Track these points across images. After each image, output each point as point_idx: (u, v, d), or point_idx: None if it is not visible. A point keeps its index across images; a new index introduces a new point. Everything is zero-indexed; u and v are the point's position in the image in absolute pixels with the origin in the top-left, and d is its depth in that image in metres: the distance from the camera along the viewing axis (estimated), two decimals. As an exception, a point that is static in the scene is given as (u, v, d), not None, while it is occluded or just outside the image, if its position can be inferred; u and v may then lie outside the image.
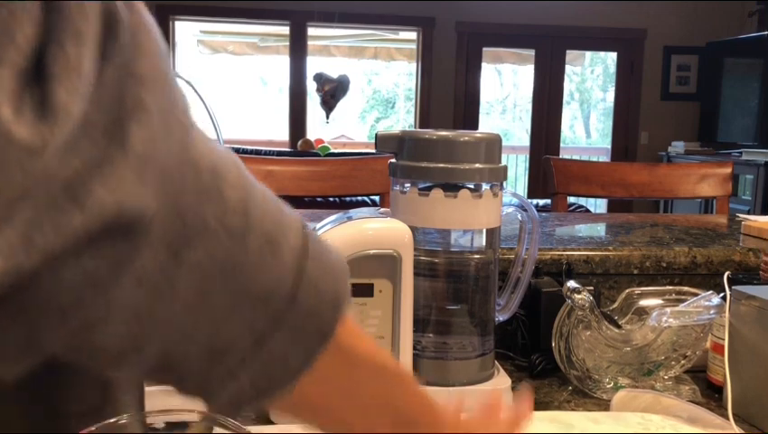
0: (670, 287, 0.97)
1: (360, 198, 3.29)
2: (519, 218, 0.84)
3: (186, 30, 6.38)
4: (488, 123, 7.15)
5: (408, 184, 0.78)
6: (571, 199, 2.37)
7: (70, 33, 0.25)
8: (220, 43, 6.73)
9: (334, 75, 6.04)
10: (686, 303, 0.89)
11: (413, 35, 6.20)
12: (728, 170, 1.90)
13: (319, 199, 3.15)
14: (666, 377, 0.90)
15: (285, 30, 5.99)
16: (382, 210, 0.84)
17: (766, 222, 1.26)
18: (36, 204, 0.24)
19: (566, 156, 5.48)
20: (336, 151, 5.77)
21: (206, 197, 0.30)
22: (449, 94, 6.03)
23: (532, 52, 6.21)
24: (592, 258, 1.05)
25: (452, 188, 0.76)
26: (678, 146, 5.87)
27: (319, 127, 6.17)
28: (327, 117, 6.06)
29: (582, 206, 3.92)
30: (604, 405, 0.82)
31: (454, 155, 0.75)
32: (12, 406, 0.51)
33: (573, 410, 0.83)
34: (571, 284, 0.86)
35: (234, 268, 0.31)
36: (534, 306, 0.94)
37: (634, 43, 6.16)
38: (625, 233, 1.23)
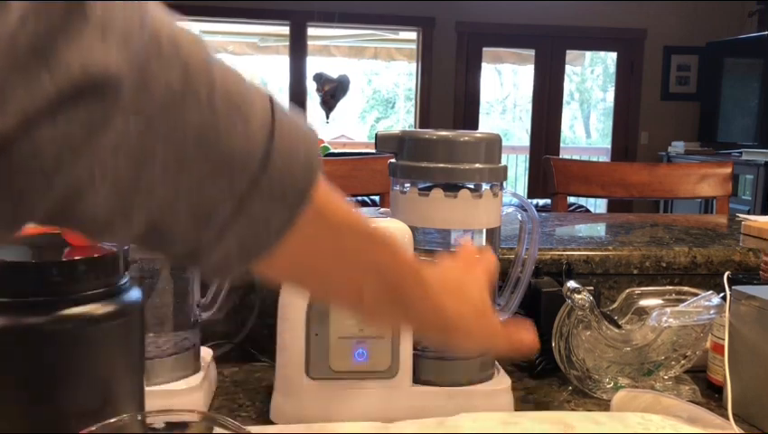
0: (670, 287, 0.97)
1: (360, 198, 3.29)
2: (519, 218, 0.84)
3: (186, 30, 6.36)
4: (488, 123, 7.15)
5: (408, 184, 0.78)
6: (571, 199, 2.37)
7: None
8: (220, 43, 6.72)
9: (334, 75, 6.03)
10: (686, 303, 0.89)
11: (413, 35, 6.20)
12: (728, 170, 1.90)
13: (319, 199, 3.14)
14: (666, 377, 0.90)
15: (285, 30, 5.99)
16: (382, 210, 0.84)
17: (766, 222, 1.25)
18: (5, 67, 0.26)
19: (566, 156, 5.48)
20: (336, 151, 5.77)
21: (169, 63, 0.32)
22: (449, 94, 6.03)
23: (532, 52, 6.21)
24: (592, 258, 1.05)
25: (452, 188, 0.75)
26: (678, 146, 5.86)
27: (319, 127, 6.17)
28: (327, 117, 6.06)
29: (582, 206, 3.92)
30: (604, 405, 0.82)
31: (454, 155, 0.75)
32: (12, 406, 0.51)
33: (573, 410, 0.83)
34: (571, 284, 0.86)
35: (206, 133, 0.33)
36: (534, 306, 0.93)
37: (634, 43, 6.15)
38: (625, 233, 1.23)
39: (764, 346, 0.78)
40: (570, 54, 6.35)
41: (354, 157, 2.17)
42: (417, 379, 0.78)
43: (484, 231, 0.80)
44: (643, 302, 0.95)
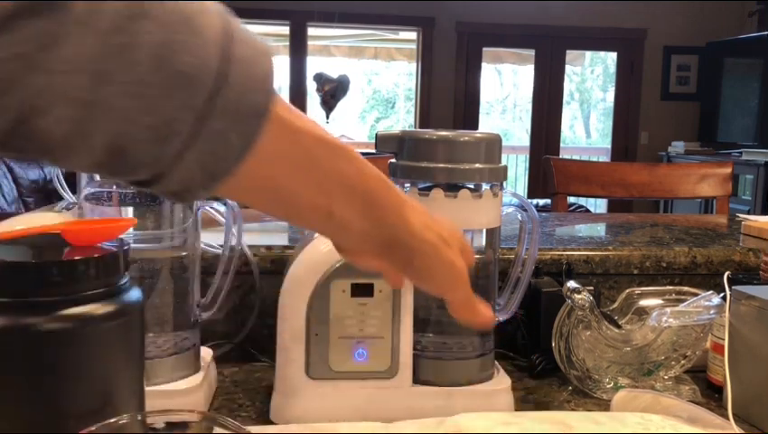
0: (670, 287, 0.97)
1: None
2: (519, 218, 0.84)
3: (186, 30, 6.37)
4: (488, 123, 7.15)
5: (408, 184, 0.78)
6: (571, 199, 2.37)
7: None
8: (220, 43, 6.72)
9: (334, 75, 6.03)
10: (686, 303, 0.89)
11: (413, 35, 6.20)
12: (728, 170, 1.90)
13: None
14: (666, 377, 0.90)
15: (285, 30, 5.99)
16: (382, 210, 0.84)
17: (766, 222, 1.25)
18: None
19: (566, 156, 5.48)
20: (336, 151, 5.76)
21: None
22: (449, 94, 6.03)
23: (532, 52, 6.21)
24: (592, 258, 1.05)
25: (452, 188, 0.75)
26: (678, 146, 5.86)
27: (319, 127, 6.15)
28: (327, 118, 6.06)
29: (582, 206, 3.92)
30: (604, 405, 0.82)
31: (454, 155, 0.75)
32: (12, 406, 0.51)
33: (573, 410, 0.83)
34: (571, 284, 0.86)
35: (160, 49, 0.33)
36: (534, 306, 0.94)
37: (634, 43, 6.15)
38: (625, 233, 1.23)
39: (764, 346, 0.78)
40: (570, 54, 6.35)
41: (354, 157, 2.17)
42: (417, 379, 0.78)
43: (484, 231, 0.80)
44: (643, 302, 0.95)
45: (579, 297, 0.85)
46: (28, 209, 4.21)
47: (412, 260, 0.49)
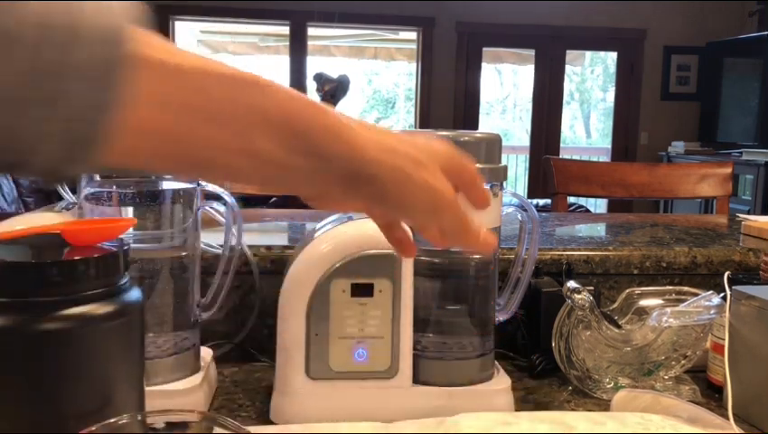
0: (670, 287, 0.97)
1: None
2: (519, 218, 0.84)
3: (186, 30, 6.38)
4: (488, 123, 7.15)
5: (408, 184, 0.77)
6: (571, 199, 2.37)
7: None
8: (220, 43, 6.73)
9: (334, 75, 6.03)
10: (686, 303, 0.89)
11: (413, 35, 6.20)
12: (728, 170, 1.90)
13: (319, 199, 3.14)
14: (666, 377, 0.90)
15: (285, 30, 5.99)
16: (382, 210, 0.84)
17: (766, 222, 1.25)
18: None
19: (566, 156, 5.48)
20: (336, 151, 5.76)
21: None
22: (449, 94, 6.03)
23: (532, 52, 6.21)
24: (592, 258, 1.05)
25: (452, 188, 0.75)
26: (678, 146, 5.86)
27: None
28: (327, 118, 6.05)
29: (582, 206, 3.92)
30: (604, 405, 0.82)
31: (454, 155, 0.75)
32: (12, 406, 0.51)
33: (573, 410, 0.83)
34: (571, 284, 0.86)
35: None
36: (534, 306, 0.93)
37: (634, 43, 6.15)
38: (625, 233, 1.23)
39: (764, 346, 0.78)
40: (570, 54, 6.35)
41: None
42: (417, 379, 0.78)
43: (484, 231, 0.80)
44: (643, 302, 0.95)
45: (579, 297, 0.85)
46: (28, 209, 4.22)
47: (383, 193, 0.43)
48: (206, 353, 0.84)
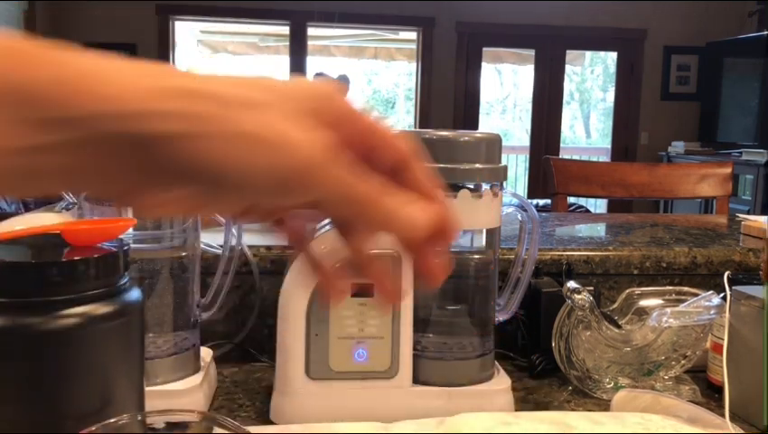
0: (670, 288, 0.97)
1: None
2: (519, 218, 0.84)
3: (186, 30, 6.38)
4: (488, 123, 7.15)
5: (408, 184, 0.78)
6: (571, 199, 2.37)
7: None
8: (220, 43, 6.73)
9: (334, 75, 6.03)
10: (686, 303, 0.89)
11: (413, 35, 6.20)
12: (728, 170, 1.90)
13: (319, 199, 3.15)
14: (666, 377, 0.90)
15: (285, 30, 5.99)
16: (382, 210, 0.84)
17: (766, 222, 1.25)
18: None
19: (566, 156, 5.48)
20: (336, 151, 5.76)
21: None
22: (449, 94, 6.03)
23: (532, 52, 6.21)
24: (592, 258, 1.05)
25: (452, 188, 0.75)
26: (678, 146, 5.86)
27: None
28: (327, 117, 6.05)
29: (582, 206, 3.92)
30: (604, 405, 0.82)
31: (454, 155, 0.75)
32: (12, 406, 0.51)
33: (573, 410, 0.83)
34: (571, 284, 0.86)
35: None
36: (534, 306, 0.93)
37: (634, 43, 6.15)
38: (625, 233, 1.23)
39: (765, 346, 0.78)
40: (570, 54, 6.35)
41: (354, 157, 2.16)
42: (417, 379, 0.78)
43: (484, 231, 0.80)
44: (643, 302, 0.95)
45: (579, 297, 0.85)
46: (28, 209, 4.21)
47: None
48: (206, 353, 0.84)
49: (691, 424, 0.70)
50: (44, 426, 0.51)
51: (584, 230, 1.38)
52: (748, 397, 0.80)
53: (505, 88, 7.78)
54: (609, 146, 6.39)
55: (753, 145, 5.21)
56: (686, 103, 6.24)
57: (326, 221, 0.81)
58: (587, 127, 7.82)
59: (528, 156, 6.37)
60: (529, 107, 6.30)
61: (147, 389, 0.59)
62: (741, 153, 5.02)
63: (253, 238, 1.01)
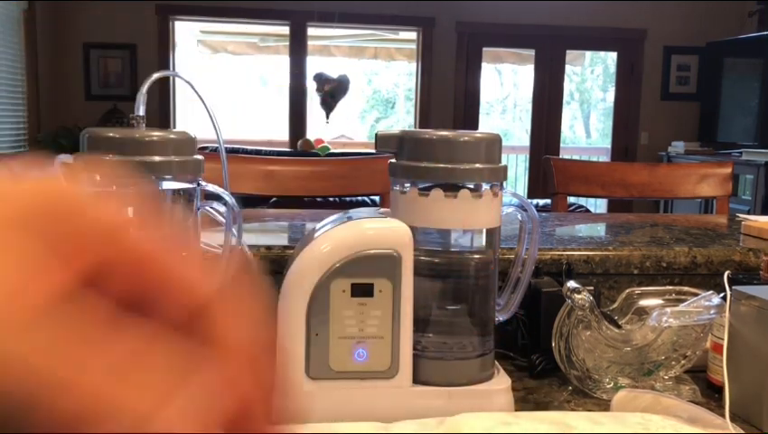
0: (670, 287, 0.97)
1: (360, 198, 3.29)
2: (519, 218, 0.84)
3: (186, 30, 6.38)
4: (488, 123, 7.15)
5: (408, 184, 0.78)
6: (571, 199, 2.37)
7: None
8: (220, 43, 6.73)
9: (334, 75, 6.03)
10: (686, 303, 0.89)
11: (413, 35, 6.20)
12: (728, 170, 1.89)
13: (319, 199, 3.15)
14: (666, 377, 0.90)
15: (285, 30, 5.99)
16: (382, 210, 0.84)
17: (766, 222, 1.25)
18: None
19: (566, 156, 5.48)
20: (336, 151, 5.77)
21: None
22: (449, 94, 6.03)
23: (532, 52, 6.21)
24: (592, 258, 1.05)
25: (452, 188, 0.75)
26: (678, 146, 5.87)
27: (319, 127, 6.17)
28: (327, 118, 6.06)
29: (582, 206, 3.92)
30: (604, 405, 0.82)
31: (454, 155, 0.75)
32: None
33: (573, 410, 0.83)
34: (571, 284, 0.86)
35: None
36: (534, 306, 0.93)
37: (634, 43, 6.15)
38: (625, 233, 1.23)
39: (764, 346, 0.78)
40: (570, 54, 6.35)
41: (354, 157, 2.17)
42: (417, 379, 0.78)
43: (484, 231, 0.80)
44: (643, 302, 0.95)
45: (579, 297, 0.85)
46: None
47: None
48: (206, 353, 0.84)
49: (691, 424, 0.70)
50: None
51: (584, 230, 1.38)
52: (748, 397, 0.80)
53: (505, 88, 7.78)
54: (609, 146, 6.39)
55: (753, 145, 5.21)
56: (686, 103, 6.24)
57: (327, 220, 0.81)
58: (587, 127, 7.82)
59: (528, 156, 6.37)
60: (529, 107, 6.31)
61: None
62: (741, 153, 5.02)
63: (253, 238, 1.01)
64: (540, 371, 0.92)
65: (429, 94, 6.02)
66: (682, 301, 0.91)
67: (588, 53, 7.08)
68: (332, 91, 5.97)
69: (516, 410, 0.79)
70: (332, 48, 6.62)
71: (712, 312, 0.85)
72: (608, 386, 0.87)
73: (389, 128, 5.40)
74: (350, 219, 0.78)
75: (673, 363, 0.89)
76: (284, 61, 6.09)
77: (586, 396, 0.87)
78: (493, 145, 0.78)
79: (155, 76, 0.80)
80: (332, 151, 5.69)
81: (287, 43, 6.02)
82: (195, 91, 0.86)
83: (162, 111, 5.76)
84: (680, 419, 0.71)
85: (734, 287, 0.84)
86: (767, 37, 5.32)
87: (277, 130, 6.35)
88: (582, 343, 0.87)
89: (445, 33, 5.95)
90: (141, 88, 0.78)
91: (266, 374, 0.25)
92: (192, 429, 0.20)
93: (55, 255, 0.19)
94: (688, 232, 1.26)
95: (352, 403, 0.75)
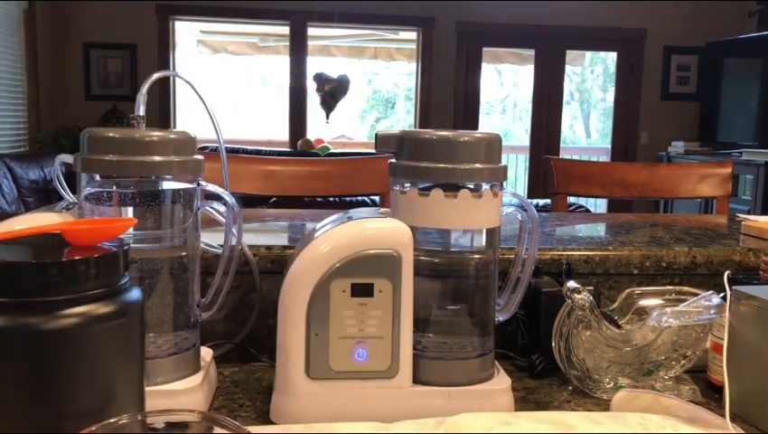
0: (670, 287, 0.97)
1: (360, 198, 3.29)
2: (519, 218, 0.84)
3: (186, 30, 6.38)
4: (488, 123, 7.15)
5: (408, 184, 0.78)
6: (571, 199, 2.37)
7: None
8: (220, 43, 6.72)
9: (334, 75, 6.03)
10: (686, 303, 0.89)
11: (413, 35, 6.20)
12: (728, 170, 1.90)
13: (319, 199, 3.15)
14: (666, 377, 0.90)
15: (285, 30, 5.99)
16: (382, 210, 0.84)
17: (766, 222, 1.25)
18: None
19: (566, 156, 5.48)
20: (336, 151, 5.77)
21: None
22: (449, 94, 6.03)
23: (532, 52, 6.21)
24: (592, 258, 1.05)
25: (452, 188, 0.76)
26: (678, 146, 5.87)
27: (319, 127, 6.17)
28: (327, 117, 6.06)
29: (582, 206, 3.91)
30: (604, 405, 0.82)
31: (454, 155, 0.75)
32: (12, 406, 0.51)
33: (573, 410, 0.83)
34: (571, 284, 0.86)
35: None
36: (534, 306, 0.94)
37: (634, 43, 6.15)
38: (625, 233, 1.23)
39: (764, 346, 0.78)
40: (570, 54, 6.35)
41: (354, 157, 2.17)
42: (417, 379, 0.78)
43: (484, 231, 0.80)
44: (643, 302, 0.95)
45: (579, 297, 0.85)
46: (28, 209, 4.22)
47: None
48: (206, 353, 0.84)
49: (691, 424, 0.70)
50: (44, 426, 0.51)
51: (584, 230, 1.38)
52: (748, 397, 0.80)
53: (505, 88, 7.78)
54: (609, 146, 6.39)
55: (753, 145, 5.21)
56: (686, 103, 6.24)
57: (327, 220, 0.81)
58: (587, 127, 7.82)
59: (528, 156, 6.37)
60: (529, 107, 6.30)
61: (147, 389, 0.59)
62: (741, 153, 5.02)
63: (253, 238, 1.01)
64: (540, 371, 0.92)
65: (429, 94, 6.02)
66: (682, 301, 0.91)
67: (588, 53, 7.07)
68: (332, 91, 5.97)
69: (516, 410, 0.79)
70: (332, 48, 6.62)
71: (712, 312, 0.85)
72: (608, 386, 0.87)
73: (389, 128, 5.39)
74: (350, 219, 0.78)
75: (673, 363, 0.89)
76: (284, 61, 6.09)
77: (586, 396, 0.87)
78: (493, 145, 0.78)
79: (155, 76, 0.80)
80: (332, 151, 5.69)
81: (287, 43, 6.02)
82: (195, 91, 0.86)
83: (162, 111, 5.76)
84: (680, 419, 0.71)
85: (734, 287, 0.84)
86: (767, 37, 5.32)
87: (277, 130, 6.35)
88: (582, 343, 0.87)
89: (445, 33, 5.95)
90: (141, 88, 0.78)
91: None
92: None
93: None
94: (688, 232, 1.26)
95: (352, 403, 0.75)
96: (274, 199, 3.37)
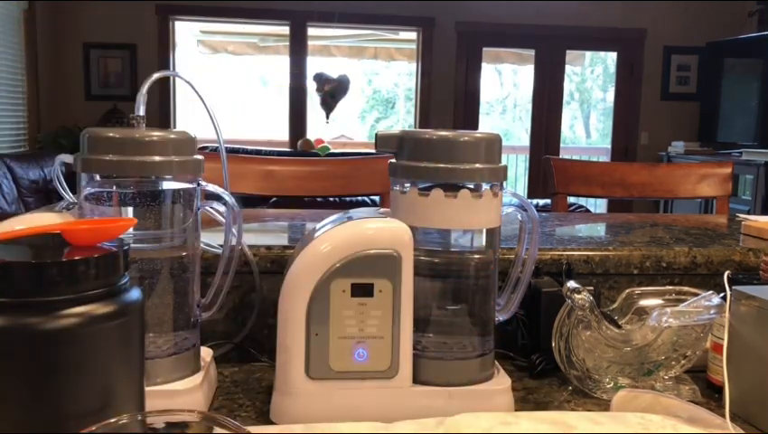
0: (670, 287, 0.97)
1: (360, 198, 3.29)
2: (519, 218, 0.84)
3: (186, 30, 6.38)
4: (488, 123, 7.15)
5: (408, 184, 0.78)
6: (571, 199, 2.37)
7: None
8: (220, 43, 6.73)
9: (334, 75, 6.03)
10: (686, 303, 0.89)
11: (413, 35, 6.20)
12: (728, 170, 1.90)
13: (319, 199, 3.15)
14: (666, 377, 0.90)
15: (285, 30, 5.99)
16: (382, 210, 0.84)
17: (766, 222, 1.25)
18: None
19: (566, 156, 5.48)
20: (336, 151, 5.77)
21: None
22: (449, 94, 6.03)
23: (532, 52, 6.21)
24: (592, 258, 1.05)
25: (452, 188, 0.76)
26: (678, 146, 5.87)
27: (319, 127, 6.17)
28: (327, 117, 6.06)
29: (582, 206, 3.91)
30: (604, 405, 0.82)
31: (454, 155, 0.75)
32: (12, 406, 0.51)
33: (573, 410, 0.83)
34: (571, 284, 0.86)
35: None
36: (534, 306, 0.94)
37: (634, 43, 6.15)
38: (625, 233, 1.23)
39: (764, 346, 0.78)
40: (570, 54, 6.35)
41: (354, 157, 2.17)
42: (417, 379, 0.78)
43: (484, 230, 0.80)
44: (643, 302, 0.95)
45: (579, 297, 0.85)
46: (28, 209, 4.22)
47: None
48: (206, 353, 0.84)
49: (691, 424, 0.70)
50: (44, 426, 0.51)
51: (584, 230, 1.38)
52: (748, 397, 0.80)
53: (505, 88, 7.78)
54: (609, 146, 6.39)
55: (753, 145, 5.21)
56: (686, 103, 6.24)
57: (327, 220, 0.81)
58: (587, 127, 7.82)
59: (528, 156, 6.37)
60: (529, 107, 6.30)
61: (147, 389, 0.59)
62: (741, 153, 5.02)
63: (253, 238, 1.01)
64: (540, 371, 0.92)
65: (429, 94, 6.02)
66: (682, 301, 0.91)
67: (588, 53, 7.07)
68: (332, 91, 5.97)
69: (516, 410, 0.79)
70: (332, 48, 6.62)
71: (712, 312, 0.85)
72: (608, 386, 0.87)
73: (389, 128, 5.40)
74: (350, 219, 0.78)
75: (673, 363, 0.89)
76: (284, 61, 6.09)
77: (586, 396, 0.87)
78: (493, 145, 0.78)
79: (155, 76, 0.80)
80: (332, 151, 5.69)
81: (287, 43, 6.02)
82: (195, 91, 0.86)
83: (162, 111, 5.76)
84: (680, 419, 0.71)
85: (734, 287, 0.84)
86: (767, 37, 5.32)
87: (277, 130, 6.35)
88: (582, 343, 0.87)
89: (445, 33, 5.95)
90: (141, 88, 0.78)
91: None
92: None
93: None
94: (687, 232, 1.26)
95: (352, 403, 0.75)
96: (274, 199, 3.37)
